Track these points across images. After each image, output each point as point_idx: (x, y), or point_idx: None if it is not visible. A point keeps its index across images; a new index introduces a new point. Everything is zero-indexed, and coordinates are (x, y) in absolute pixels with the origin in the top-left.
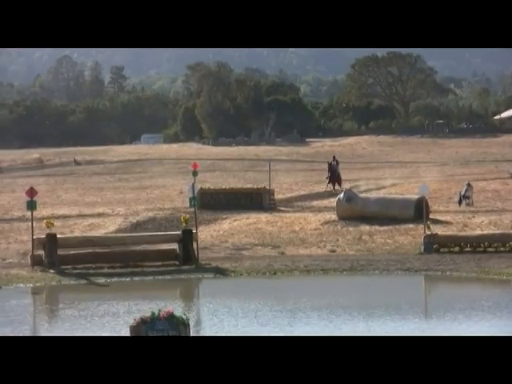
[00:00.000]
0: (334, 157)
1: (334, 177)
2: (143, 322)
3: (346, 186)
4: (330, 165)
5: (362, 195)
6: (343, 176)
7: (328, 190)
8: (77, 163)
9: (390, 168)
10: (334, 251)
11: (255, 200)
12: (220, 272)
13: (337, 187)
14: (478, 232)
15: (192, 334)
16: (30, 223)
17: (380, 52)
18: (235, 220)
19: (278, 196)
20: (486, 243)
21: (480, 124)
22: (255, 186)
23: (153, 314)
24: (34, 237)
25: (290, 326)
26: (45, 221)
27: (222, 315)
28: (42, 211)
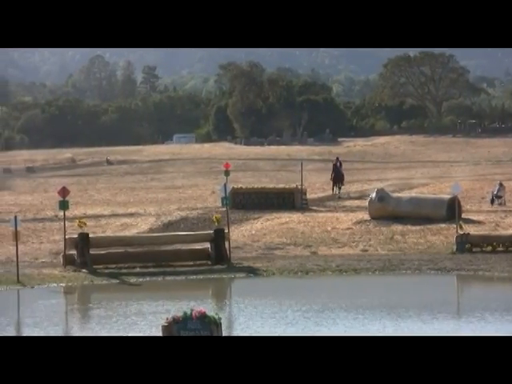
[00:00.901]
0: (337, 158)
1: (339, 177)
2: (175, 321)
3: (377, 185)
4: (334, 165)
5: (394, 195)
6: (374, 175)
7: (336, 192)
8: (109, 163)
9: (422, 167)
10: (366, 251)
11: (287, 200)
12: (252, 272)
13: (336, 190)
14: (511, 231)
15: (224, 334)
16: (62, 223)
17: (412, 51)
18: (267, 220)
19: (310, 196)
20: None
21: None
22: (287, 186)
23: (185, 313)
24: (67, 236)
25: (320, 326)
26: (77, 220)
27: (253, 315)
28: (74, 211)
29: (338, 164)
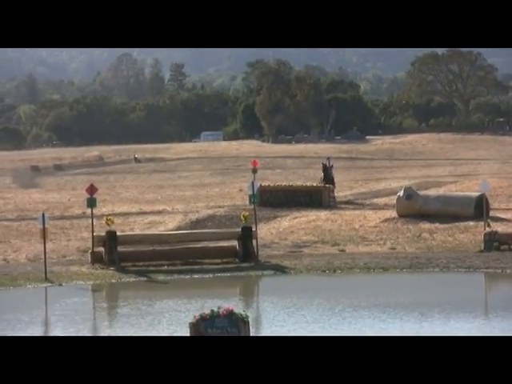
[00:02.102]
0: (327, 158)
1: (329, 178)
2: (203, 319)
3: (404, 183)
4: (324, 165)
5: (422, 193)
6: (402, 173)
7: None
8: (137, 161)
9: (449, 165)
10: (393, 249)
11: (315, 197)
12: (280, 269)
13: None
14: None
15: (251, 332)
16: (90, 220)
17: (440, 49)
18: (295, 217)
19: (337, 193)
20: None
21: None
22: (315, 184)
23: (212, 311)
24: (94, 234)
25: (349, 324)
26: (105, 218)
27: (281, 313)
28: (102, 208)
29: (328, 164)
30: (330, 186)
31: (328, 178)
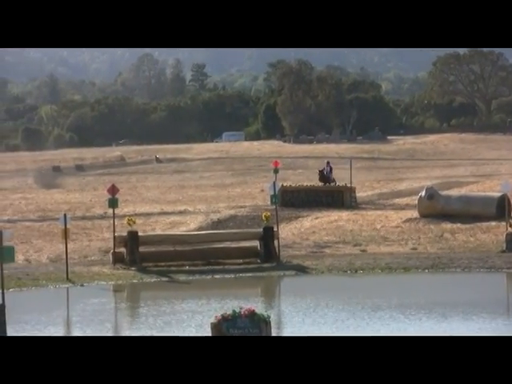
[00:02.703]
0: (327, 162)
1: (324, 182)
2: (224, 319)
3: (426, 183)
4: (321, 172)
5: (444, 193)
6: (423, 173)
7: None
8: (158, 161)
9: (471, 165)
10: (415, 249)
11: (336, 198)
12: (301, 270)
13: None
14: None
15: (273, 333)
16: (111, 221)
17: (462, 49)
18: (316, 218)
19: (359, 194)
20: None
21: None
22: (336, 184)
23: (234, 311)
24: (116, 234)
25: (365, 325)
26: (126, 218)
27: (302, 313)
28: (123, 209)
29: (328, 169)
30: (352, 186)
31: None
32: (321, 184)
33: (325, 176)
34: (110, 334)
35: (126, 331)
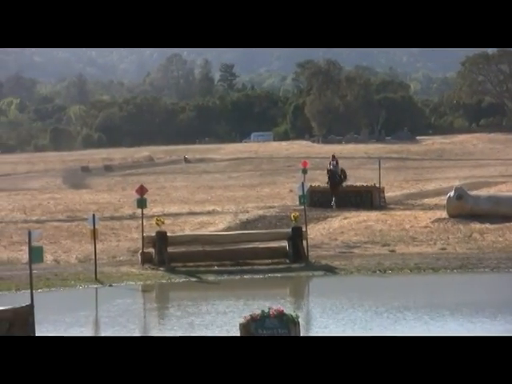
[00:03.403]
0: (333, 156)
1: (334, 181)
2: (253, 319)
3: (455, 183)
4: (330, 171)
5: (473, 193)
6: (452, 173)
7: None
8: (187, 161)
9: (500, 165)
10: (444, 249)
11: (365, 198)
12: (330, 270)
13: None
14: None
15: (302, 333)
16: (140, 221)
17: (490, 49)
18: (345, 218)
19: (388, 194)
20: None
21: None
22: (365, 184)
23: (263, 311)
24: (144, 234)
25: (400, 325)
26: (155, 218)
27: (331, 314)
28: (152, 209)
29: (335, 163)
30: (381, 186)
31: (334, 181)
32: (327, 182)
33: (332, 171)
34: (138, 334)
35: (155, 331)
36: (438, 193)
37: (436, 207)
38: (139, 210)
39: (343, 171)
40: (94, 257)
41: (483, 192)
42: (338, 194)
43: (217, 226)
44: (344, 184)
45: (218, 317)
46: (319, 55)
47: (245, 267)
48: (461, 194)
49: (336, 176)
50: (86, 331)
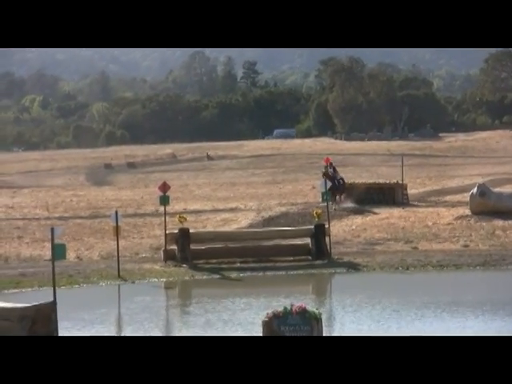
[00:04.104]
0: (330, 163)
1: (333, 186)
2: (275, 316)
3: (478, 180)
4: (326, 175)
5: (496, 190)
6: (475, 170)
7: (337, 204)
8: (209, 158)
9: None
10: (467, 246)
11: (388, 195)
12: (352, 267)
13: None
14: None
15: (324, 330)
16: (162, 218)
17: None
18: (368, 215)
19: (410, 191)
20: None
21: None
22: (388, 181)
23: (285, 308)
24: (167, 231)
25: (423, 323)
26: (178, 216)
27: (354, 311)
28: (174, 206)
29: (332, 170)
30: (404, 183)
31: (333, 187)
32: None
33: (330, 176)
34: (160, 331)
35: (177, 329)
36: (460, 190)
37: (459, 204)
38: (162, 207)
39: (343, 180)
40: (116, 254)
41: (506, 189)
42: (335, 200)
43: (239, 222)
44: (343, 196)
45: (240, 314)
46: (342, 52)
47: (267, 264)
48: (484, 191)
49: (335, 182)
50: (108, 329)
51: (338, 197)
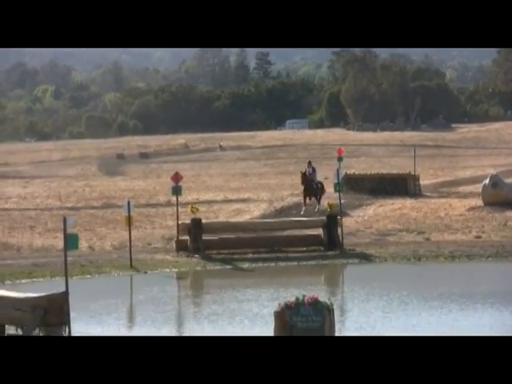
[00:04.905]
0: (309, 162)
1: (311, 188)
2: (287, 307)
3: (490, 171)
4: (303, 174)
5: (508, 181)
6: (487, 161)
7: (308, 206)
8: (222, 149)
9: None
10: (479, 237)
11: (400, 185)
12: (365, 258)
13: (313, 200)
14: None
15: (336, 320)
16: (175, 208)
17: None
18: (380, 206)
19: (423, 182)
20: None
21: None
22: (400, 172)
23: (297, 299)
24: (179, 222)
25: (433, 315)
26: (190, 206)
27: (366, 301)
28: (187, 196)
29: (311, 170)
30: (416, 174)
31: (310, 188)
32: (302, 187)
33: (307, 178)
34: (172, 322)
35: (189, 319)
36: (473, 181)
37: (471, 195)
38: (174, 198)
39: (322, 184)
40: (128, 244)
41: None
42: (321, 195)
43: (252, 213)
44: (319, 196)
45: (253, 304)
46: None
47: (280, 254)
48: (496, 182)
49: (312, 184)
50: (120, 319)
51: (313, 199)
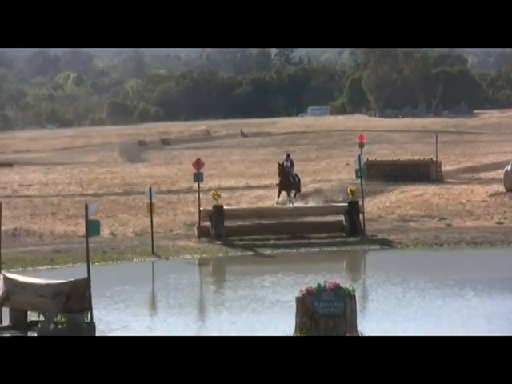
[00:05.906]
0: (287, 155)
1: (287, 182)
2: (309, 293)
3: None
4: (281, 166)
5: None
6: (509, 147)
7: (279, 200)
8: (243, 135)
9: None
10: (501, 223)
11: (422, 172)
12: (386, 244)
13: (292, 194)
14: None
15: (358, 306)
16: (196, 195)
17: None
18: (402, 192)
19: (445, 168)
20: None
21: None
22: (422, 158)
23: (319, 285)
24: (201, 208)
25: (457, 302)
26: (211, 192)
27: (388, 288)
28: (208, 183)
29: (289, 164)
30: (438, 160)
31: (286, 182)
32: (279, 179)
33: (285, 171)
34: (194, 309)
35: (210, 306)
36: (495, 167)
37: (493, 181)
38: (196, 184)
39: (299, 178)
40: (150, 230)
41: None
42: (299, 190)
43: (273, 199)
44: (297, 194)
45: (274, 290)
46: None
47: (301, 241)
48: None
49: (289, 177)
50: (140, 306)
51: (291, 193)
